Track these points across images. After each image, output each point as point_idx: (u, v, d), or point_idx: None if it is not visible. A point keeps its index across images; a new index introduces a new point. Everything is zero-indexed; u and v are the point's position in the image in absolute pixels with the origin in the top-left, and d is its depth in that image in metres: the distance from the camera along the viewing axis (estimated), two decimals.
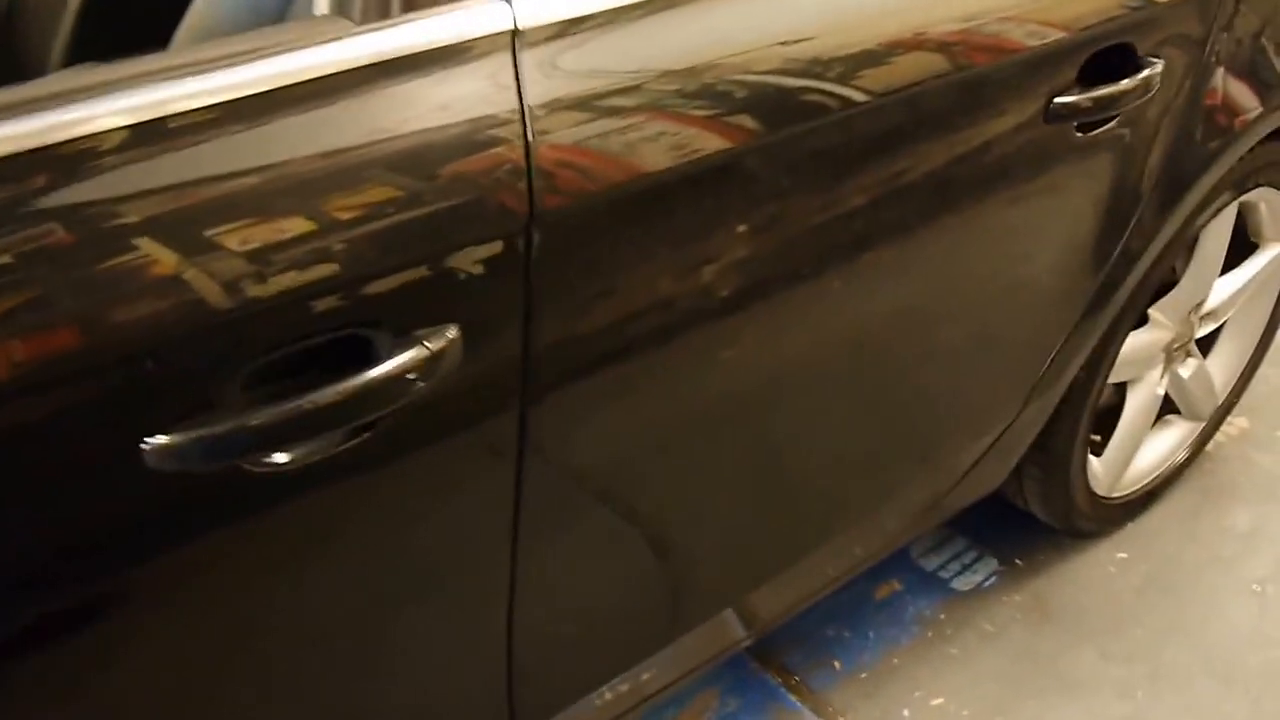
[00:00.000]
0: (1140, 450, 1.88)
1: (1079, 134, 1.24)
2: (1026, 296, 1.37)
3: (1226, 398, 1.99)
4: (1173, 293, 1.73)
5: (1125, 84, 1.25)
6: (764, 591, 1.41)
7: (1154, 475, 1.93)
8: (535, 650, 1.08)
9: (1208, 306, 1.79)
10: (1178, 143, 1.40)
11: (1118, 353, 1.61)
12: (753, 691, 1.67)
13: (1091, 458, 1.80)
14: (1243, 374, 1.98)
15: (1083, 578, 1.86)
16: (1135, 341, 1.70)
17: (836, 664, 1.72)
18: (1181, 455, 1.95)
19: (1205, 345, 1.93)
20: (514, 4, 0.82)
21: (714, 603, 1.34)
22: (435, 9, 0.80)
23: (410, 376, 0.77)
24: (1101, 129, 1.27)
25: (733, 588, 1.35)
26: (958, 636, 1.76)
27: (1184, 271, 1.71)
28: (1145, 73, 1.26)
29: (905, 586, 1.84)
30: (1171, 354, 1.79)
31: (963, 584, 1.85)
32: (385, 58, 0.76)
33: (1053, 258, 1.36)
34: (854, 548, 1.50)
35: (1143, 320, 1.73)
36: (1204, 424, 1.98)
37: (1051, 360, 1.46)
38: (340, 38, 0.76)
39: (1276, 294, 1.91)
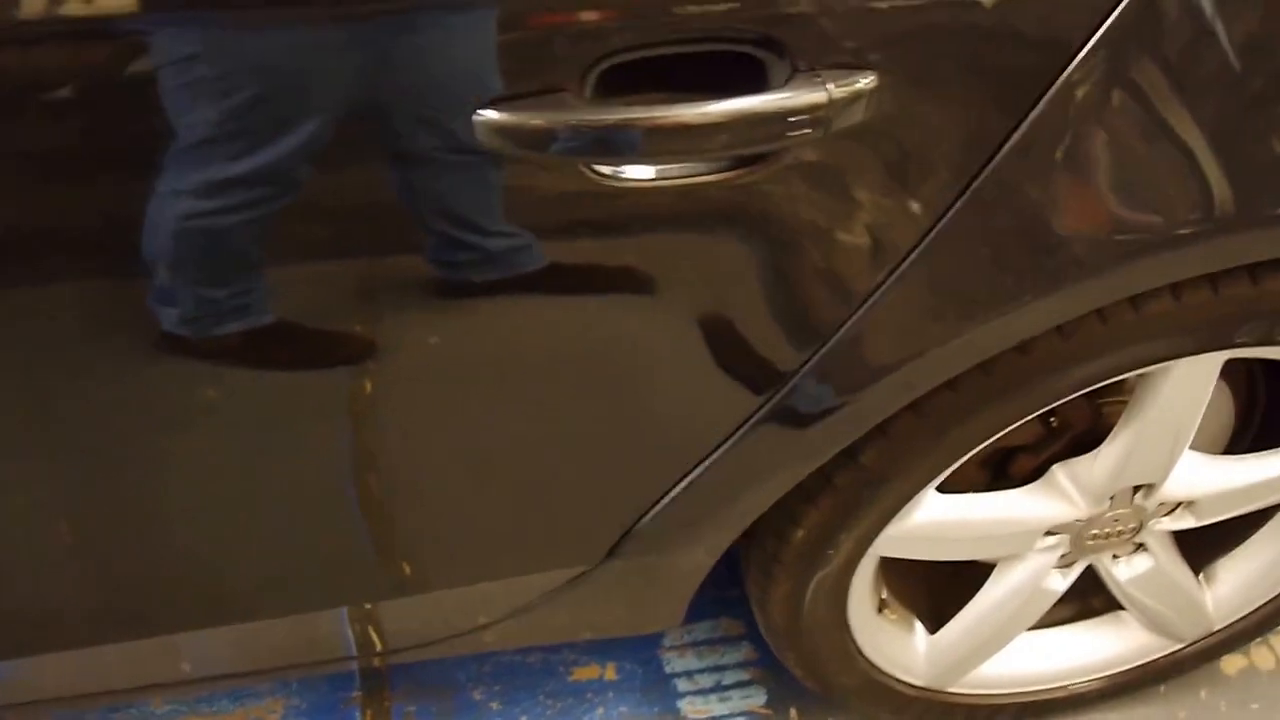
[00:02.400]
0: (1024, 645, 1.24)
1: (596, 175, 0.68)
2: (554, 413, 0.83)
3: (1254, 616, 1.27)
4: (1087, 457, 1.06)
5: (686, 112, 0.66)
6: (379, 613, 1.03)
7: (1050, 686, 1.28)
8: None
9: (1173, 493, 1.09)
10: (950, 235, 0.76)
11: (887, 516, 1.00)
12: None
13: (919, 631, 1.20)
14: None
15: None
16: (979, 507, 1.07)
17: None
18: (1096, 681, 1.28)
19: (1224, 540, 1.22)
20: None
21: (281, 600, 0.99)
22: None
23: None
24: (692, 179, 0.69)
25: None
26: None
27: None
28: (773, 97, 0.66)
29: (620, 678, 1.35)
30: (1086, 541, 1.12)
31: (694, 709, 1.33)
32: None
33: (618, 363, 0.80)
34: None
35: (1038, 473, 1.09)
36: (1181, 646, 1.28)
37: (660, 503, 0.91)
38: None
39: None
